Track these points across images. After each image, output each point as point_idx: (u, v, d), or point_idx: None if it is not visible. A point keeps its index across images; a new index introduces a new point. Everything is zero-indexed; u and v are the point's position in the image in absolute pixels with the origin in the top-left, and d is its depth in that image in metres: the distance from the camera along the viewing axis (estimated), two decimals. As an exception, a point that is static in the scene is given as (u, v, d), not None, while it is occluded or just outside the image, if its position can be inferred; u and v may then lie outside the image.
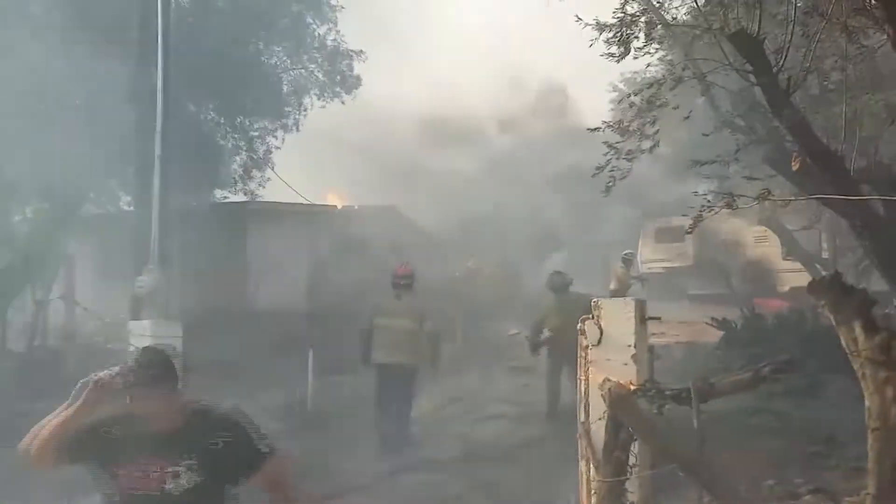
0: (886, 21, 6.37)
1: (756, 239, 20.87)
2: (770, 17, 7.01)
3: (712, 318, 12.19)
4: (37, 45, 9.63)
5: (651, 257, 23.55)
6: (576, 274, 19.87)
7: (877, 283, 11.73)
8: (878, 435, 4.03)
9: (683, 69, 7.06)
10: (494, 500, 7.19)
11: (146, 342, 6.62)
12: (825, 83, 7.94)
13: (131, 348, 6.74)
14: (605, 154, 7.25)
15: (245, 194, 14.84)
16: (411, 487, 7.77)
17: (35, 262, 10.17)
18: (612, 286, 16.58)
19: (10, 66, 9.39)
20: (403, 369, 9.27)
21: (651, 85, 7.06)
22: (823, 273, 16.55)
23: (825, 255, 17.71)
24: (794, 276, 18.65)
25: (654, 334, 5.57)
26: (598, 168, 7.34)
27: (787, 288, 19.51)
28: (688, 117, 7.31)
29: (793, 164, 7.34)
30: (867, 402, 4.11)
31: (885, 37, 6.87)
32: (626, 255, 18.10)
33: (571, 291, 10.70)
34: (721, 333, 12.09)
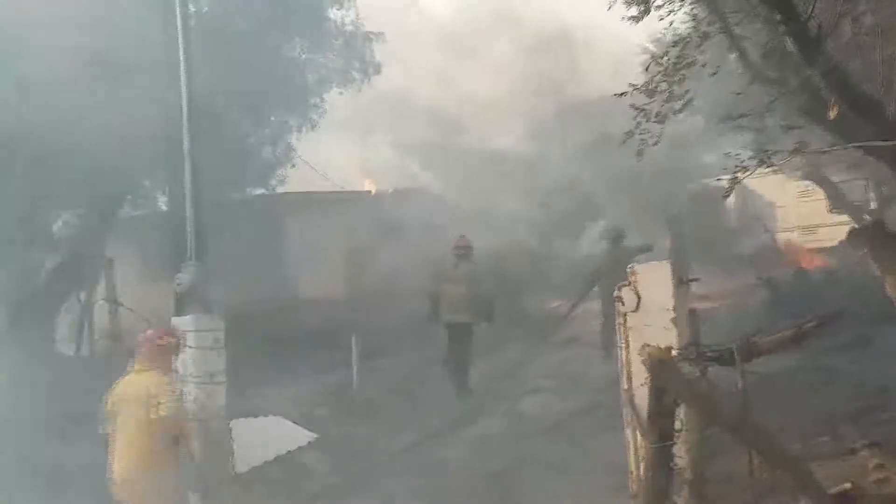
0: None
1: (800, 194, 20.36)
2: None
3: (758, 278, 11.97)
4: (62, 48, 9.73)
5: (690, 219, 23.17)
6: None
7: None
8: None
9: (709, 24, 6.87)
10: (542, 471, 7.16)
11: (190, 338, 6.74)
12: (858, 28, 7.67)
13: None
14: (634, 118, 7.07)
15: (276, 187, 14.90)
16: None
17: (81, 265, 10.40)
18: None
19: (36, 67, 9.51)
20: (463, 327, 10.71)
21: (676, 43, 6.87)
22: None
23: (872, 205, 17.22)
24: (843, 230, 18.20)
25: (699, 297, 5.46)
26: (627, 133, 7.17)
27: (835, 242, 19.04)
28: (715, 73, 7.11)
29: (829, 112, 7.12)
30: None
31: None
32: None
33: (625, 244, 11.90)
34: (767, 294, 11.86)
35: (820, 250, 18.64)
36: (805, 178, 18.27)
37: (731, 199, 22.49)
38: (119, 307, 9.87)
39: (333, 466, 7.98)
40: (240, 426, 7.38)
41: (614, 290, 5.39)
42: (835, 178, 17.18)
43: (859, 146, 6.46)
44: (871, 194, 17.44)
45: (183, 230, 8.27)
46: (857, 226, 4.30)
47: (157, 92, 10.53)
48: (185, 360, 6.75)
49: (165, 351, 5.80)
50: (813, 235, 20.35)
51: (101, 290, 10.47)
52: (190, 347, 6.73)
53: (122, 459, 5.48)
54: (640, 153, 7.25)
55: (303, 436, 8.45)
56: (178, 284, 7.47)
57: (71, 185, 10.61)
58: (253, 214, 14.18)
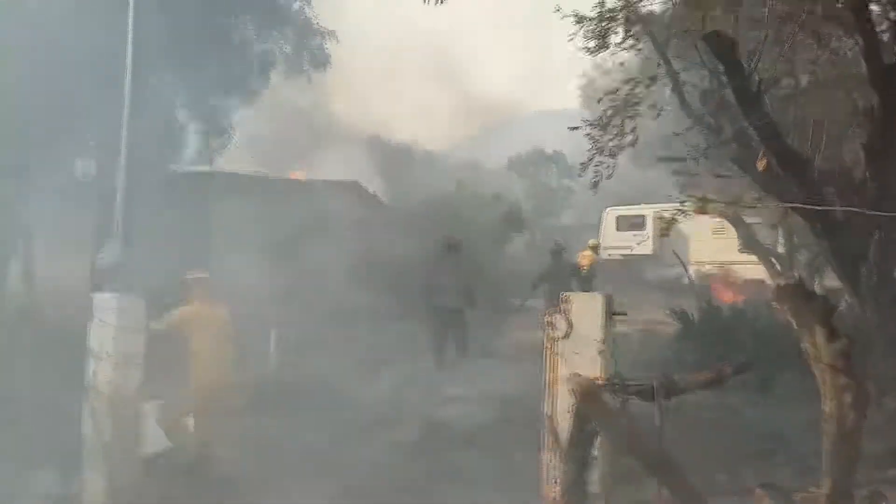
0: (856, 30, 6.56)
1: (714, 230, 21.23)
2: (744, 20, 7.13)
3: (670, 310, 12.41)
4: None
5: (611, 244, 23.87)
6: (537, 255, 20.09)
7: (830, 279, 12.09)
8: (834, 440, 4.22)
9: (658, 66, 7.16)
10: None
11: (111, 316, 6.56)
12: (795, 86, 8.11)
13: (95, 321, 6.61)
14: (589, 150, 7.36)
15: (207, 166, 14.60)
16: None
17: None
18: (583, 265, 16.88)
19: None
20: (453, 311, 12.46)
21: (628, 82, 7.13)
22: (778, 267, 17.04)
23: (780, 249, 18.08)
24: (750, 269, 19.11)
25: (618, 314, 5.67)
26: (582, 164, 7.47)
27: (741, 280, 19.99)
28: (659, 114, 7.42)
29: (758, 164, 7.50)
30: (825, 407, 4.29)
31: (854, 43, 7.08)
32: (592, 242, 18.43)
33: (565, 257, 14.94)
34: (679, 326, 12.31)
35: (731, 286, 19.53)
36: (720, 215, 19.06)
37: (650, 229, 23.37)
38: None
39: (243, 456, 7.87)
40: (151, 409, 7.27)
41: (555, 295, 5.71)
42: (748, 219, 17.95)
43: (788, 206, 6.79)
44: (781, 239, 18.30)
45: (109, 204, 8.03)
46: (781, 283, 4.52)
47: (98, 55, 10.25)
48: (103, 339, 6.57)
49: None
50: (723, 271, 21.30)
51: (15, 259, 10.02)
52: (110, 326, 6.54)
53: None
54: (595, 185, 7.54)
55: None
56: (101, 258, 7.23)
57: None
58: (179, 192, 13.79)
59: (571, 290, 14.20)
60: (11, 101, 10.07)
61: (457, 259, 12.98)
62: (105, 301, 6.68)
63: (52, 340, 8.41)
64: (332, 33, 14.49)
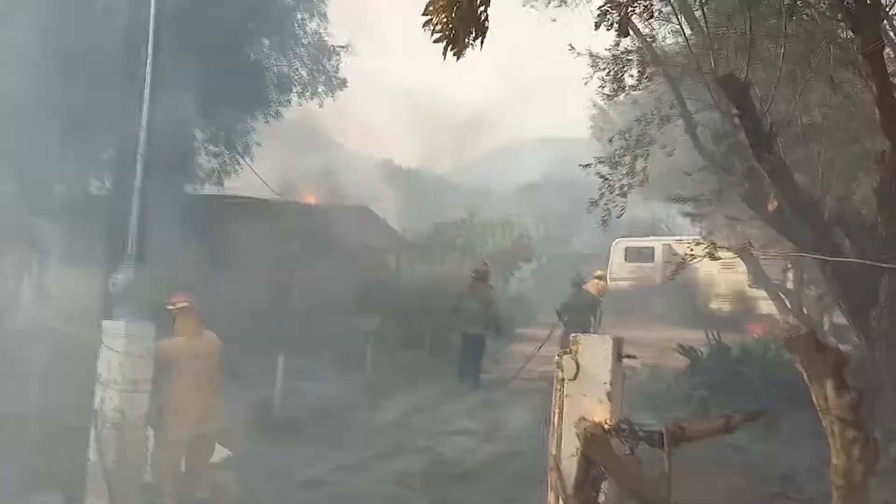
0: (871, 77, 6.59)
1: (723, 265, 21.17)
2: (757, 63, 7.17)
3: (679, 345, 12.37)
4: (21, 26, 9.46)
5: (619, 275, 23.81)
6: (546, 283, 20.07)
7: (839, 317, 12.02)
8: (843, 493, 4.19)
9: (671, 108, 7.20)
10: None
11: (119, 343, 6.57)
12: (808, 127, 8.14)
13: (104, 347, 6.62)
14: (599, 188, 7.40)
15: (219, 188, 14.68)
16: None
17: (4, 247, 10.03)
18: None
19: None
20: (476, 337, 13.28)
21: (640, 121, 7.18)
22: (787, 303, 16.97)
23: (789, 285, 18.04)
24: (760, 304, 19.08)
25: (627, 356, 5.62)
26: (591, 202, 7.50)
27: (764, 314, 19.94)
28: (671, 154, 7.46)
29: (769, 205, 7.52)
30: (833, 460, 4.26)
31: (866, 87, 7.10)
32: (599, 272, 18.40)
33: (584, 289, 15.16)
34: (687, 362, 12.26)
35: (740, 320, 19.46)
36: (730, 250, 19.02)
37: (659, 260, 23.31)
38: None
39: (245, 486, 7.84)
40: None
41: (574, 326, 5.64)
42: (756, 254, 17.91)
43: (797, 255, 6.79)
44: (790, 275, 18.26)
45: (122, 223, 8.04)
46: (793, 335, 4.51)
47: (116, 70, 10.35)
48: (111, 365, 6.58)
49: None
50: (731, 306, 21.24)
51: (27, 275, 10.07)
52: (118, 353, 6.55)
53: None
54: (605, 222, 7.58)
55: (218, 451, 8.29)
56: (113, 284, 7.24)
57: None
58: (191, 214, 13.86)
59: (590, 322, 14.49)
60: (26, 114, 10.16)
61: (483, 287, 13.77)
62: (114, 327, 6.69)
63: (63, 361, 8.41)
64: (347, 48, 14.57)
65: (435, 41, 3.37)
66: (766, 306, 18.67)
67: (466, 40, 3.40)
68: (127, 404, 6.54)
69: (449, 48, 3.42)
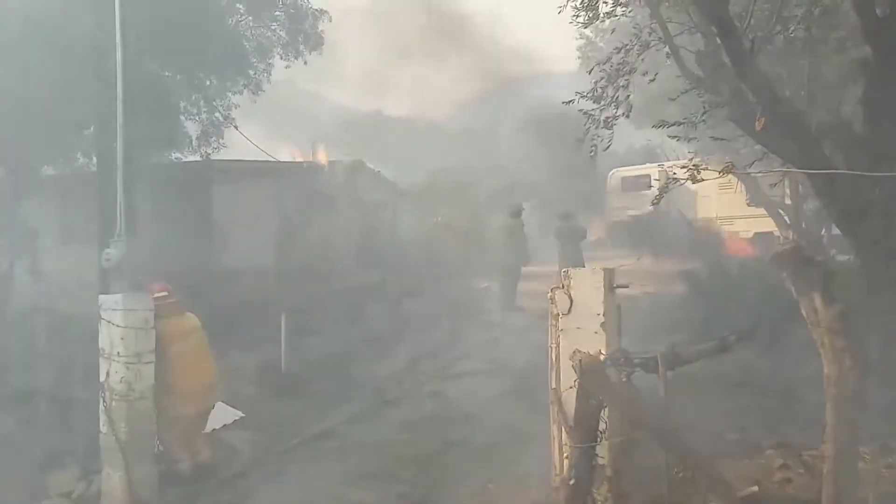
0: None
1: (721, 186, 21.08)
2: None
3: (678, 272, 12.42)
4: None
5: (617, 205, 23.78)
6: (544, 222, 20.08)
7: (836, 229, 12.02)
8: (836, 401, 4.25)
9: (650, 33, 7.07)
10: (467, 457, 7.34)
11: (118, 317, 6.63)
12: (790, 41, 8.00)
13: (103, 322, 6.68)
14: (584, 124, 7.31)
15: (207, 154, 14.58)
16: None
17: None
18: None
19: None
20: (514, 266, 14.70)
21: (619, 50, 7.06)
22: (786, 218, 16.97)
23: (787, 200, 17.98)
24: (759, 222, 19.09)
25: (619, 286, 5.65)
26: (578, 140, 7.42)
27: (751, 233, 19.96)
28: (653, 80, 7.35)
29: (757, 123, 7.44)
30: (825, 370, 4.32)
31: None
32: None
33: (572, 222, 15.55)
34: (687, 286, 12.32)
35: (738, 240, 19.53)
36: (715, 171, 18.89)
37: (655, 188, 23.21)
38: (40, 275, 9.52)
39: (258, 446, 7.99)
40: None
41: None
42: (744, 173, 17.81)
43: (782, 171, 6.74)
44: (787, 191, 18.19)
45: (112, 197, 7.97)
46: (778, 250, 4.52)
47: (90, 47, 10.21)
48: (112, 339, 6.64)
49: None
50: (731, 226, 21.23)
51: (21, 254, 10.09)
52: (118, 327, 6.61)
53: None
54: (592, 158, 7.50)
55: (229, 414, 8.44)
56: (106, 260, 7.25)
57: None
58: (181, 182, 13.82)
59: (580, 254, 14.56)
60: (6, 97, 10.07)
61: (518, 223, 15.21)
62: (111, 302, 6.74)
63: (66, 337, 8.51)
64: (323, 13, 14.41)
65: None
66: (766, 224, 18.64)
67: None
68: (133, 376, 6.63)
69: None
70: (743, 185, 19.28)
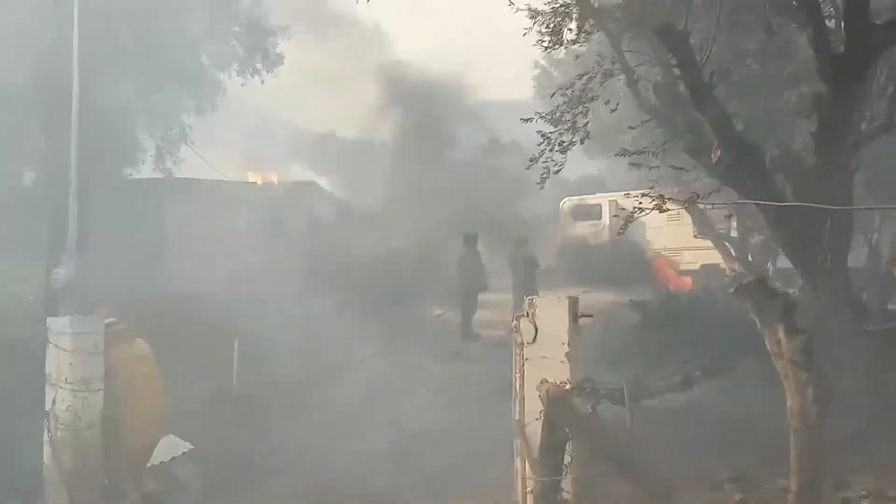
0: (807, 23, 6.65)
1: (669, 217, 21.36)
2: (695, 13, 7.19)
3: (630, 301, 12.50)
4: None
5: (569, 233, 23.98)
6: (497, 247, 20.11)
7: (784, 262, 12.28)
8: (799, 434, 4.29)
9: (613, 63, 7.17)
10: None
11: (66, 341, 6.37)
12: (745, 75, 8.21)
13: (51, 346, 6.41)
14: (539, 144, 7.34)
15: (160, 172, 14.29)
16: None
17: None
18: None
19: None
20: (471, 292, 14.86)
21: (582, 77, 7.15)
22: (732, 251, 17.32)
23: (734, 233, 18.36)
24: (706, 254, 19.43)
25: (584, 315, 5.64)
26: (531, 160, 7.44)
27: (698, 265, 20.30)
28: (615, 110, 7.46)
29: (712, 155, 7.59)
30: (789, 402, 4.35)
31: (802, 33, 7.18)
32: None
33: (526, 249, 15.76)
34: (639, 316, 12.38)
35: (686, 272, 19.83)
36: (678, 202, 19.21)
37: (606, 218, 23.55)
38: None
39: (207, 479, 7.72)
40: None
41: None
42: (702, 205, 18.15)
43: (743, 203, 6.85)
44: (734, 224, 18.58)
45: (62, 213, 7.74)
46: (742, 282, 4.58)
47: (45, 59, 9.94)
48: (60, 365, 6.37)
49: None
50: (678, 257, 21.59)
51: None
52: (65, 351, 6.35)
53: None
54: (543, 181, 7.54)
55: (179, 446, 8.14)
56: (55, 280, 6.98)
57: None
58: (132, 200, 13.48)
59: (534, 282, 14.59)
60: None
61: (473, 249, 15.20)
62: (60, 325, 6.48)
63: (10, 364, 8.12)
64: (285, 29, 14.32)
65: None
66: (713, 256, 18.97)
67: None
68: (80, 404, 6.37)
69: None
70: (690, 217, 19.65)
